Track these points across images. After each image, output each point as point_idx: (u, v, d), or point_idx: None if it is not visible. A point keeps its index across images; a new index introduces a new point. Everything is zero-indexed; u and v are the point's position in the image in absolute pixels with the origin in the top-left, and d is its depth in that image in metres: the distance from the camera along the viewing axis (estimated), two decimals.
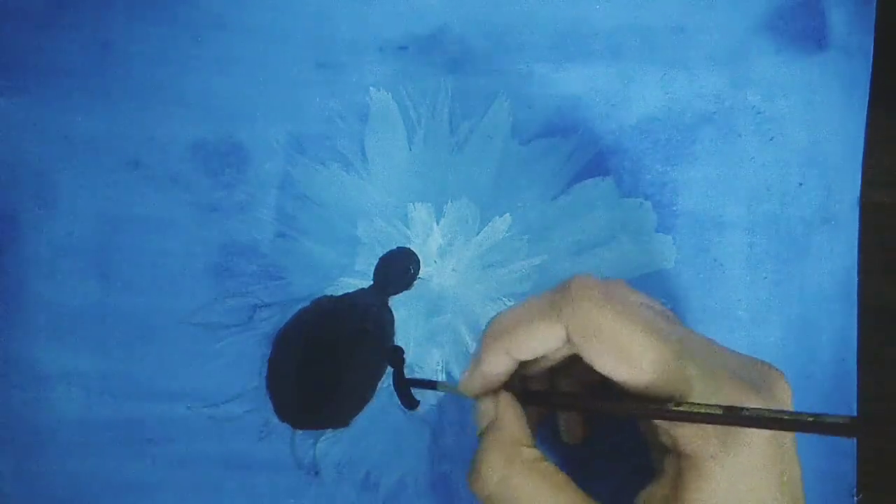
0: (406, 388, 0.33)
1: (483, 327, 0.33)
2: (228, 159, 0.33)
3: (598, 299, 0.25)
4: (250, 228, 0.33)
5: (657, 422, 0.25)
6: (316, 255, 0.33)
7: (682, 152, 0.34)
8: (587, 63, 0.34)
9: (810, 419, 0.21)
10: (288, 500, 0.33)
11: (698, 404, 0.23)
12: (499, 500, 0.25)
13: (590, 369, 0.26)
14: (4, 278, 0.33)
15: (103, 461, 0.33)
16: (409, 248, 0.34)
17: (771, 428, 0.22)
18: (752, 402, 0.23)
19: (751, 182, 0.34)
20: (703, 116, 0.34)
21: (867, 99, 0.34)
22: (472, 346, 0.33)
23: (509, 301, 0.34)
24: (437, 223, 0.34)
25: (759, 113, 0.34)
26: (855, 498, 0.33)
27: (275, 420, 0.33)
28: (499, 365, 0.27)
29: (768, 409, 0.22)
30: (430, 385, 0.31)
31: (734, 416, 0.22)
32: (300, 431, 0.33)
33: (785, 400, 0.24)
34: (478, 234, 0.34)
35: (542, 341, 0.26)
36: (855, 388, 0.34)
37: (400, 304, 0.34)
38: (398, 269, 0.34)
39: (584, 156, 0.34)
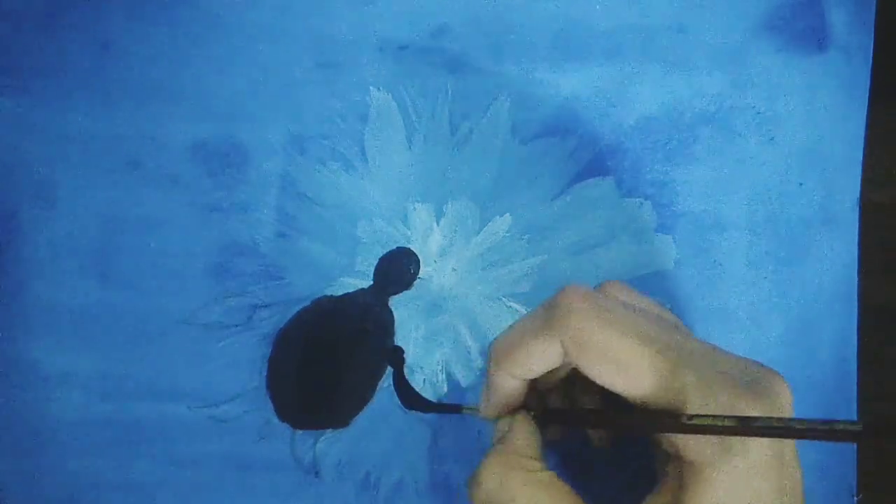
0: (406, 388, 0.33)
1: (488, 327, 0.34)
2: (228, 159, 0.33)
3: (588, 311, 0.25)
4: (250, 228, 0.33)
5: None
6: (316, 255, 0.33)
7: (682, 152, 0.34)
8: (587, 63, 0.34)
9: (822, 427, 0.21)
10: (288, 500, 0.33)
11: (711, 416, 0.23)
12: None
13: None
14: (4, 278, 0.33)
15: (103, 461, 0.33)
16: (409, 248, 0.34)
17: (783, 437, 0.22)
18: (750, 407, 0.23)
19: (751, 182, 0.34)
20: (703, 116, 0.34)
21: (867, 99, 0.34)
22: (473, 346, 0.33)
23: (509, 301, 0.34)
24: (437, 223, 0.34)
25: (759, 113, 0.34)
26: (855, 498, 0.33)
27: (275, 420, 0.33)
28: (507, 387, 0.27)
29: (779, 419, 0.22)
30: (456, 409, 0.31)
31: (747, 428, 0.22)
32: (300, 431, 0.33)
33: (785, 404, 0.24)
34: (478, 234, 0.34)
35: (541, 359, 0.26)
36: (855, 388, 0.34)
37: (400, 304, 0.34)
38: (398, 269, 0.34)
39: (584, 156, 0.34)
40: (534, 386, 0.28)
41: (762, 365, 0.25)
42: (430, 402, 0.33)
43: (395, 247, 0.34)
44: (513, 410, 0.28)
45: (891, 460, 0.34)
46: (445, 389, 0.33)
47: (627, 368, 0.24)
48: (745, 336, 0.34)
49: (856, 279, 0.34)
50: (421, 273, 0.34)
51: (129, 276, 0.33)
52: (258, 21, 0.33)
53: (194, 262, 0.33)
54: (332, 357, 0.33)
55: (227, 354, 0.33)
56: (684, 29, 0.34)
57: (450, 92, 0.34)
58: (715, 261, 0.34)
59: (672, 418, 0.24)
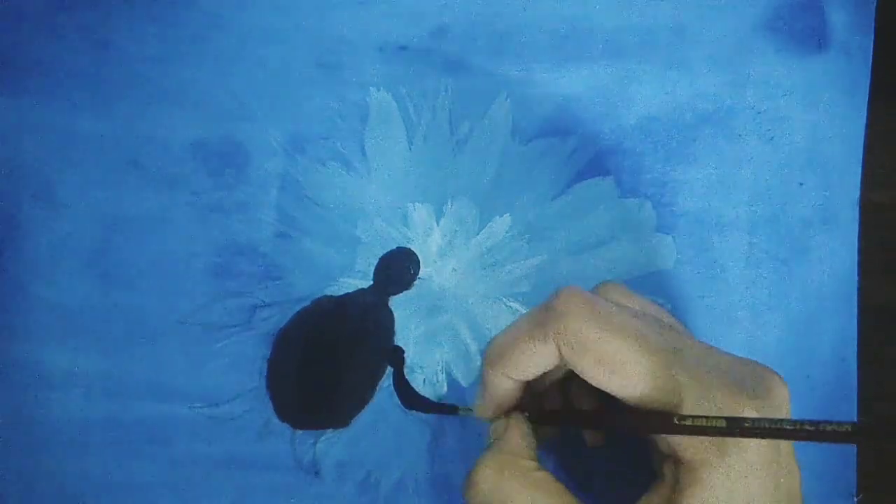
0: (406, 388, 0.33)
1: (488, 327, 0.34)
2: (228, 159, 0.33)
3: (583, 313, 0.25)
4: (250, 228, 0.33)
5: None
6: (316, 255, 0.33)
7: (682, 152, 0.34)
8: (587, 63, 0.34)
9: (811, 428, 0.21)
10: (288, 500, 0.33)
11: (703, 417, 0.23)
12: None
13: None
14: (4, 278, 0.33)
15: (103, 461, 0.33)
16: (409, 248, 0.34)
17: (773, 437, 0.22)
18: (746, 407, 0.23)
19: (751, 182, 0.34)
20: (703, 116, 0.34)
21: (867, 99, 0.34)
22: (473, 346, 0.33)
23: (509, 301, 0.34)
24: (437, 223, 0.34)
25: (759, 113, 0.34)
26: (855, 498, 0.33)
27: (275, 420, 0.33)
28: (502, 388, 0.27)
29: (769, 419, 0.22)
30: (453, 410, 0.31)
31: (737, 428, 0.22)
32: (300, 431, 0.33)
33: (782, 403, 0.24)
34: (478, 234, 0.34)
35: (536, 361, 0.26)
36: (855, 388, 0.34)
37: (400, 304, 0.34)
38: (398, 269, 0.34)
39: (584, 156, 0.34)
40: (529, 387, 0.28)
41: (759, 364, 0.25)
42: (429, 401, 0.33)
43: (395, 247, 0.34)
44: (508, 411, 0.28)
45: (891, 460, 0.34)
46: (445, 389, 0.33)
47: (622, 370, 0.24)
48: (745, 336, 0.34)
49: (856, 279, 0.34)
50: (421, 273, 0.34)
51: (129, 276, 0.33)
52: (258, 21, 0.33)
53: (194, 262, 0.33)
54: (332, 357, 0.33)
55: (227, 354, 0.33)
56: (684, 29, 0.34)
57: (450, 92, 0.34)
58: (715, 261, 0.34)
59: (664, 419, 0.24)
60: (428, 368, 0.33)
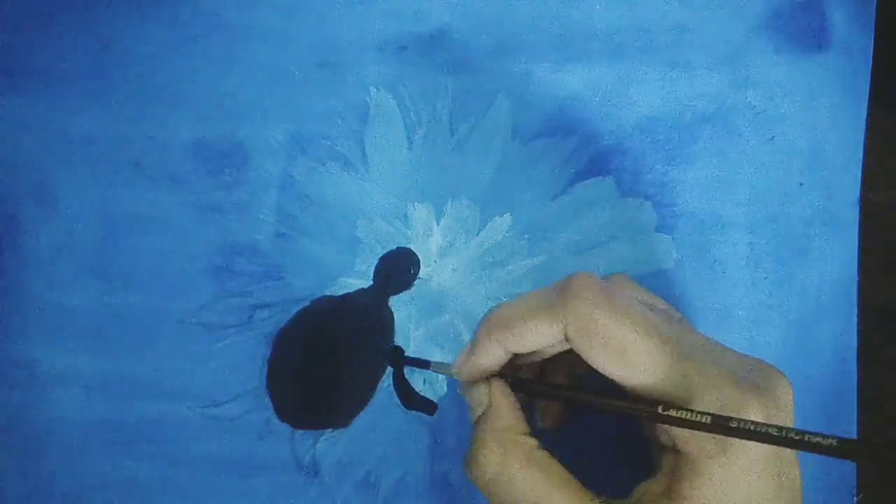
0: (406, 388, 0.33)
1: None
2: (228, 159, 0.33)
3: (596, 299, 0.25)
4: (250, 228, 0.33)
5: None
6: (316, 255, 0.33)
7: (682, 152, 0.34)
8: (587, 63, 0.34)
9: (796, 437, 0.21)
10: (288, 500, 0.33)
11: (687, 410, 0.23)
12: (497, 487, 0.26)
13: (580, 361, 0.26)
14: (4, 278, 0.33)
15: (103, 461, 0.33)
16: (409, 248, 0.34)
17: (756, 440, 0.22)
18: (753, 403, 0.23)
19: (751, 182, 0.34)
20: (703, 116, 0.34)
21: (867, 99, 0.34)
22: None
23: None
24: (437, 223, 0.34)
25: (759, 113, 0.34)
26: (855, 498, 0.33)
27: (275, 420, 0.33)
28: (493, 357, 0.27)
29: (755, 423, 0.22)
30: (425, 364, 0.31)
31: (720, 427, 0.23)
32: (300, 431, 0.33)
33: (787, 401, 0.24)
34: (478, 234, 0.34)
35: (538, 338, 0.26)
36: (855, 388, 0.34)
37: (400, 304, 0.34)
38: (398, 269, 0.34)
39: (584, 156, 0.34)
40: (513, 360, 0.28)
41: (764, 362, 0.25)
42: (409, 359, 0.33)
43: (395, 247, 0.34)
44: (486, 378, 0.28)
45: (891, 461, 0.34)
46: (445, 389, 0.33)
47: (630, 358, 0.24)
48: (745, 336, 0.34)
49: (856, 279, 0.34)
50: (421, 273, 0.34)
51: (129, 276, 0.33)
52: (258, 21, 0.33)
53: (194, 262, 0.33)
54: (332, 357, 0.33)
55: (227, 354, 0.33)
56: (684, 29, 0.34)
57: (450, 92, 0.34)
58: (715, 261, 0.34)
59: (648, 405, 0.24)
60: None
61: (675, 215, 0.34)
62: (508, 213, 0.34)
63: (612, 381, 0.25)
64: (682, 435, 0.24)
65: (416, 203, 0.34)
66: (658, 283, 0.34)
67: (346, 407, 0.33)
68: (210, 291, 0.33)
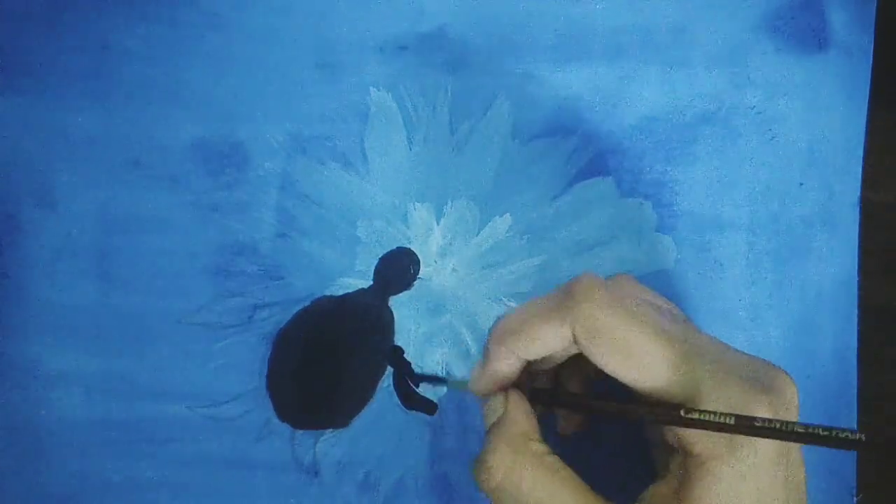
0: (406, 388, 0.33)
1: (489, 327, 0.34)
2: (228, 159, 0.33)
3: (603, 300, 0.25)
4: (250, 228, 0.33)
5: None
6: (316, 255, 0.33)
7: (682, 152, 0.34)
8: (587, 63, 0.34)
9: (822, 433, 0.21)
10: (288, 500, 0.33)
11: (709, 412, 0.23)
12: (505, 492, 0.25)
13: (595, 368, 0.26)
14: (4, 278, 0.33)
15: (103, 461, 0.33)
16: (409, 248, 0.34)
17: (783, 439, 0.22)
18: (760, 403, 0.23)
19: (751, 182, 0.34)
20: (703, 116, 0.34)
21: (867, 99, 0.34)
22: (473, 346, 0.33)
23: (509, 301, 0.34)
24: (437, 223, 0.34)
25: (759, 113, 0.34)
26: (855, 498, 0.33)
27: (275, 420, 0.33)
28: (506, 365, 0.27)
29: (780, 420, 0.22)
30: (441, 381, 0.31)
31: (746, 426, 0.22)
32: (300, 431, 0.33)
33: (793, 402, 0.24)
34: (478, 234, 0.34)
35: (547, 342, 0.26)
36: (855, 388, 0.34)
37: (400, 304, 0.34)
38: (398, 269, 0.34)
39: (584, 156, 0.34)
40: (527, 368, 0.28)
41: (769, 362, 0.25)
42: (419, 375, 0.33)
43: (395, 247, 0.34)
44: (502, 389, 0.28)
45: (891, 461, 0.34)
46: (445, 389, 0.33)
47: (639, 359, 0.24)
48: (745, 336, 0.34)
49: (856, 279, 0.34)
50: (421, 273, 0.34)
51: (129, 276, 0.33)
52: (258, 21, 0.33)
53: (194, 262, 0.33)
54: (332, 357, 0.33)
55: (227, 354, 0.33)
56: (684, 29, 0.34)
57: (450, 92, 0.34)
58: (715, 261, 0.34)
59: (670, 410, 0.24)
60: (428, 368, 0.33)
61: (675, 215, 0.34)
62: (508, 213, 0.34)
63: (624, 388, 0.25)
64: (689, 436, 0.24)
65: (416, 203, 0.34)
66: (658, 283, 0.33)
67: (346, 407, 0.33)
68: (210, 291, 0.33)
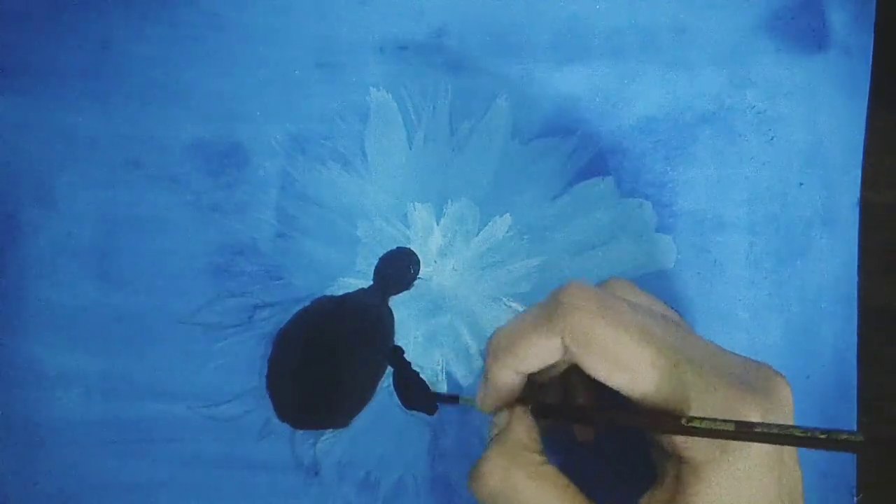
0: (406, 388, 0.33)
1: (489, 327, 0.34)
2: (228, 159, 0.33)
3: (590, 308, 0.25)
4: (250, 228, 0.33)
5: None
6: (316, 255, 0.33)
7: (682, 152, 0.34)
8: (587, 63, 0.34)
9: (821, 436, 0.21)
10: (288, 500, 0.33)
11: (710, 419, 0.23)
12: (498, 499, 0.25)
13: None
14: (4, 279, 0.33)
15: (103, 461, 0.33)
16: (409, 248, 0.34)
17: (782, 443, 0.22)
18: (751, 406, 0.23)
19: (751, 182, 0.34)
20: (703, 116, 0.34)
21: (867, 99, 0.34)
22: (473, 346, 0.33)
23: (510, 301, 0.34)
24: (437, 223, 0.34)
25: (759, 113, 0.34)
26: (855, 498, 0.33)
27: (275, 420, 0.33)
28: (506, 380, 0.27)
29: (778, 425, 0.22)
30: (454, 399, 0.31)
31: (745, 433, 0.22)
32: (300, 431, 0.33)
33: (787, 403, 0.24)
34: (478, 234, 0.34)
35: (541, 354, 0.26)
36: (855, 388, 0.34)
37: (400, 304, 0.34)
38: (398, 269, 0.34)
39: (584, 156, 0.34)
40: (531, 380, 0.28)
41: (763, 364, 0.25)
42: (430, 392, 0.33)
43: (395, 247, 0.34)
44: (510, 404, 0.28)
45: (891, 461, 0.34)
46: (445, 389, 0.33)
47: (628, 366, 0.24)
48: (745, 336, 0.34)
49: (856, 279, 0.34)
50: (421, 273, 0.34)
51: (129, 276, 0.33)
52: (258, 21, 0.33)
53: (194, 262, 0.33)
54: (332, 357, 0.33)
55: (227, 354, 0.33)
56: (684, 29, 0.34)
57: (450, 92, 0.34)
58: (715, 261, 0.34)
59: (671, 419, 0.24)
60: (428, 368, 0.33)
61: (675, 215, 0.34)
62: (508, 213, 0.34)
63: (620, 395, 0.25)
64: (683, 442, 0.24)
65: (416, 203, 0.34)
66: (658, 284, 0.34)
67: (346, 407, 0.33)
68: (210, 291, 0.33)
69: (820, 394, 0.34)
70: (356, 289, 0.33)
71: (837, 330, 0.34)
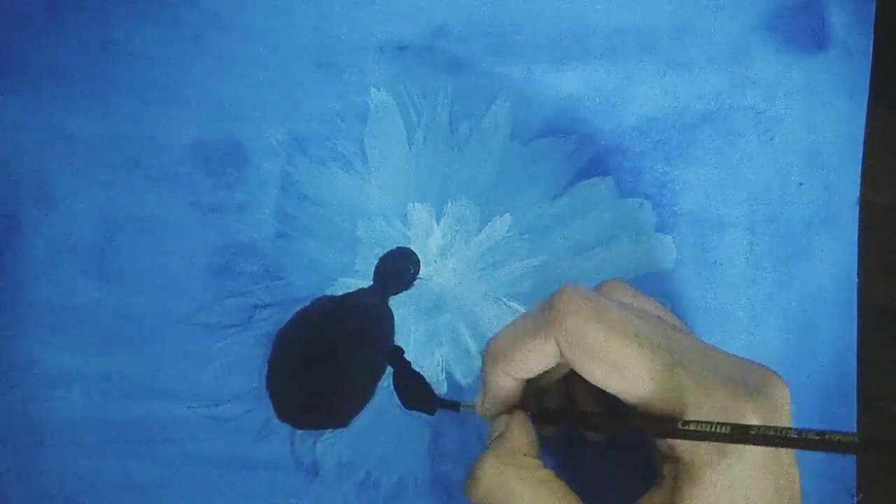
0: (406, 388, 0.33)
1: (488, 327, 0.34)
2: (228, 159, 0.33)
3: (584, 313, 0.25)
4: (250, 228, 0.33)
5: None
6: (316, 255, 0.33)
7: (682, 152, 0.34)
8: (587, 63, 0.34)
9: (815, 437, 0.21)
10: (288, 500, 0.33)
11: (707, 423, 0.23)
12: (492, 502, 0.25)
13: None
14: (4, 279, 0.33)
15: (103, 461, 0.33)
16: (409, 248, 0.34)
17: (778, 446, 0.22)
18: (748, 408, 0.23)
19: (751, 182, 0.34)
20: (703, 116, 0.34)
21: (867, 99, 0.34)
22: (473, 346, 0.33)
23: (509, 301, 0.34)
24: (437, 223, 0.34)
25: (759, 113, 0.34)
26: (855, 498, 0.33)
27: (275, 420, 0.33)
28: (504, 386, 0.27)
29: (774, 427, 0.22)
30: (453, 406, 0.31)
31: (741, 435, 0.22)
32: (300, 431, 0.33)
33: (784, 404, 0.24)
34: (478, 234, 0.34)
35: (537, 359, 0.26)
36: (855, 388, 0.34)
37: (400, 304, 0.34)
38: (398, 269, 0.34)
39: (584, 156, 0.34)
40: (530, 385, 0.28)
41: (760, 364, 0.25)
42: (432, 396, 0.33)
43: (395, 247, 0.34)
44: (509, 409, 0.28)
45: (891, 460, 0.34)
46: (445, 389, 0.33)
47: (622, 369, 0.24)
48: (745, 336, 0.34)
49: (856, 279, 0.34)
50: (421, 273, 0.34)
51: (129, 276, 0.33)
52: (258, 21, 0.33)
53: (194, 262, 0.33)
54: (332, 357, 0.33)
55: (227, 354, 0.33)
56: (684, 29, 0.34)
57: (450, 92, 0.34)
58: (715, 261, 0.34)
59: (668, 423, 0.24)
60: (428, 368, 0.33)
61: (675, 215, 0.34)
62: (508, 213, 0.34)
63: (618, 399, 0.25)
64: (679, 444, 0.24)
65: (416, 203, 0.34)
66: (658, 284, 0.34)
67: (346, 407, 0.33)
68: (210, 291, 0.33)
69: (820, 394, 0.34)
70: (356, 289, 0.33)
71: (837, 330, 0.34)
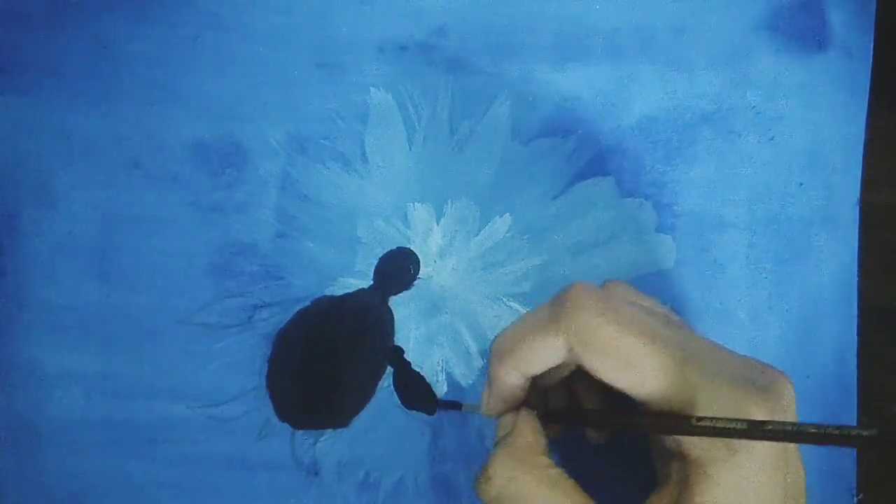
0: (406, 388, 0.33)
1: (489, 327, 0.34)
2: (228, 159, 0.33)
3: (595, 309, 0.25)
4: (250, 228, 0.33)
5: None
6: (316, 255, 0.33)
7: (682, 152, 0.34)
8: (587, 63, 0.34)
9: (835, 432, 0.21)
10: (288, 500, 0.33)
11: (722, 419, 0.23)
12: (505, 501, 0.25)
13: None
14: (4, 279, 0.33)
15: (103, 461, 0.33)
16: (409, 248, 0.34)
17: (794, 441, 0.22)
18: (756, 405, 0.23)
19: (751, 182, 0.34)
20: (703, 116, 0.34)
21: (867, 99, 0.34)
22: (473, 346, 0.33)
23: (509, 301, 0.34)
24: (437, 223, 0.34)
25: (759, 113, 0.34)
26: (855, 498, 0.33)
27: (275, 420, 0.33)
28: (510, 384, 0.27)
29: (791, 423, 0.22)
30: (456, 406, 0.31)
31: (758, 431, 0.22)
32: (300, 431, 0.33)
33: (789, 401, 0.24)
34: (478, 234, 0.34)
35: (545, 356, 0.26)
36: (855, 388, 0.34)
37: (400, 304, 0.34)
38: (398, 269, 0.34)
39: (584, 156, 0.34)
40: (535, 384, 0.28)
41: (765, 364, 0.25)
42: (432, 396, 0.33)
43: (395, 247, 0.34)
44: (515, 408, 0.28)
45: (891, 460, 0.34)
46: (445, 389, 0.33)
47: (633, 366, 0.24)
48: (745, 336, 0.34)
49: (856, 279, 0.34)
50: (421, 273, 0.34)
51: (129, 276, 0.33)
52: (258, 21, 0.33)
53: (194, 262, 0.33)
54: (332, 357, 0.33)
55: (227, 354, 0.33)
56: (684, 29, 0.34)
57: (450, 92, 0.34)
58: (715, 261, 0.34)
59: (679, 420, 0.24)
60: (428, 368, 0.33)
61: (675, 215, 0.34)
62: (508, 213, 0.34)
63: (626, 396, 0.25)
64: (688, 441, 0.24)
65: (416, 203, 0.34)
66: (658, 284, 0.34)
67: (346, 407, 0.33)
68: (210, 291, 0.33)
69: (820, 394, 0.34)
70: (356, 289, 0.33)
71: (837, 330, 0.34)
